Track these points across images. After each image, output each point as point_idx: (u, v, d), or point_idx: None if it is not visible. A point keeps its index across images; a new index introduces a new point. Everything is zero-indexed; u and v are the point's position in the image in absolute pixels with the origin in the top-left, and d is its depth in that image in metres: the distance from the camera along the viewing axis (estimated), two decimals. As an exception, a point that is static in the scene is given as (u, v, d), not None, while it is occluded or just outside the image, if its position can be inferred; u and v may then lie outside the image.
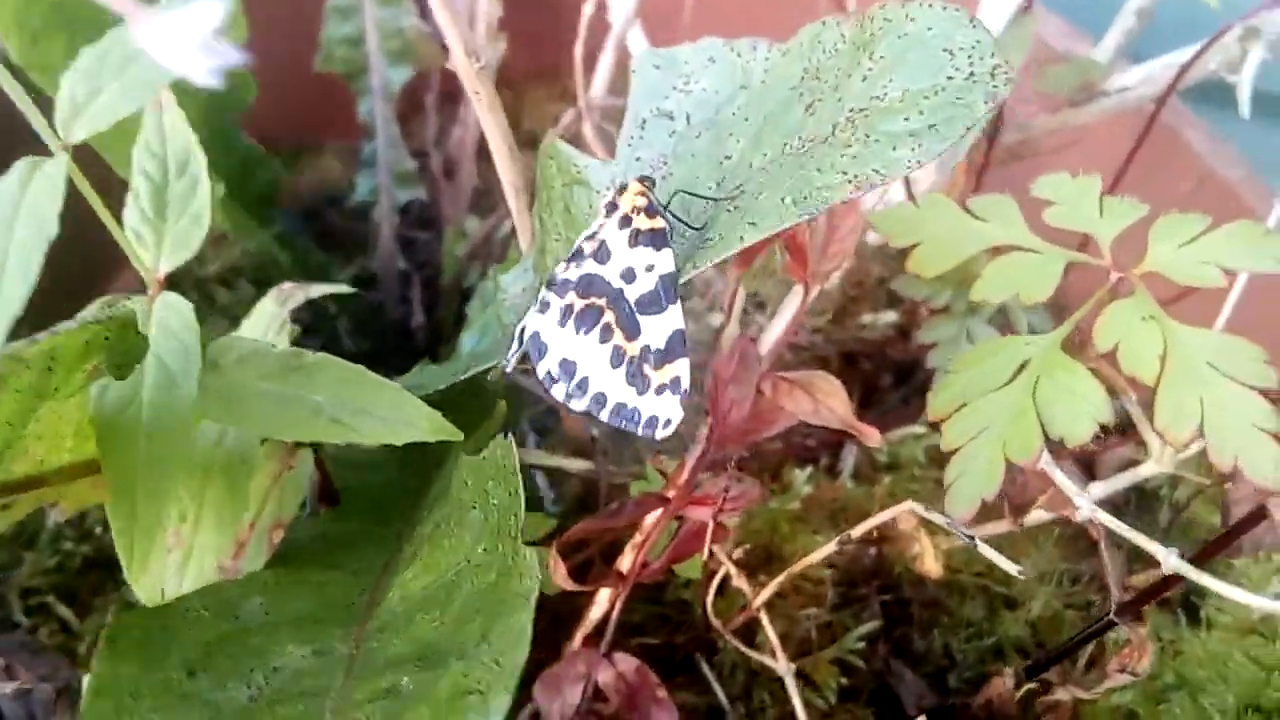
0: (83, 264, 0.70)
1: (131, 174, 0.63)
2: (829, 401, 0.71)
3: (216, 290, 1.26)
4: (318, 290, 0.74)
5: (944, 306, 0.93)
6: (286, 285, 0.74)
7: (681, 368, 0.57)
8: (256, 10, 1.08)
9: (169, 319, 0.59)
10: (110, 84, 0.54)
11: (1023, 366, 0.62)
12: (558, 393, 0.60)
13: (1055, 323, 0.92)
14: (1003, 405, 0.61)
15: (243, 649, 0.60)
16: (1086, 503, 0.64)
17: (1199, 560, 0.69)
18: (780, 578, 0.77)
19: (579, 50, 0.96)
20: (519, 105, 1.46)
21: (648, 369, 0.58)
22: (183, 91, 0.66)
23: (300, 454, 0.73)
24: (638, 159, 0.66)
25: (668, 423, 0.57)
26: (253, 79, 1.08)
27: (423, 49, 1.21)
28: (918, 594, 0.95)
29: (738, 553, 0.78)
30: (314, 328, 1.22)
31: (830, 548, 0.73)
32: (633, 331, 0.59)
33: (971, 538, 0.66)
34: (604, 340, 0.59)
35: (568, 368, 0.59)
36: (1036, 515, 0.74)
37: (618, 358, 0.58)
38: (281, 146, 1.35)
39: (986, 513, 1.00)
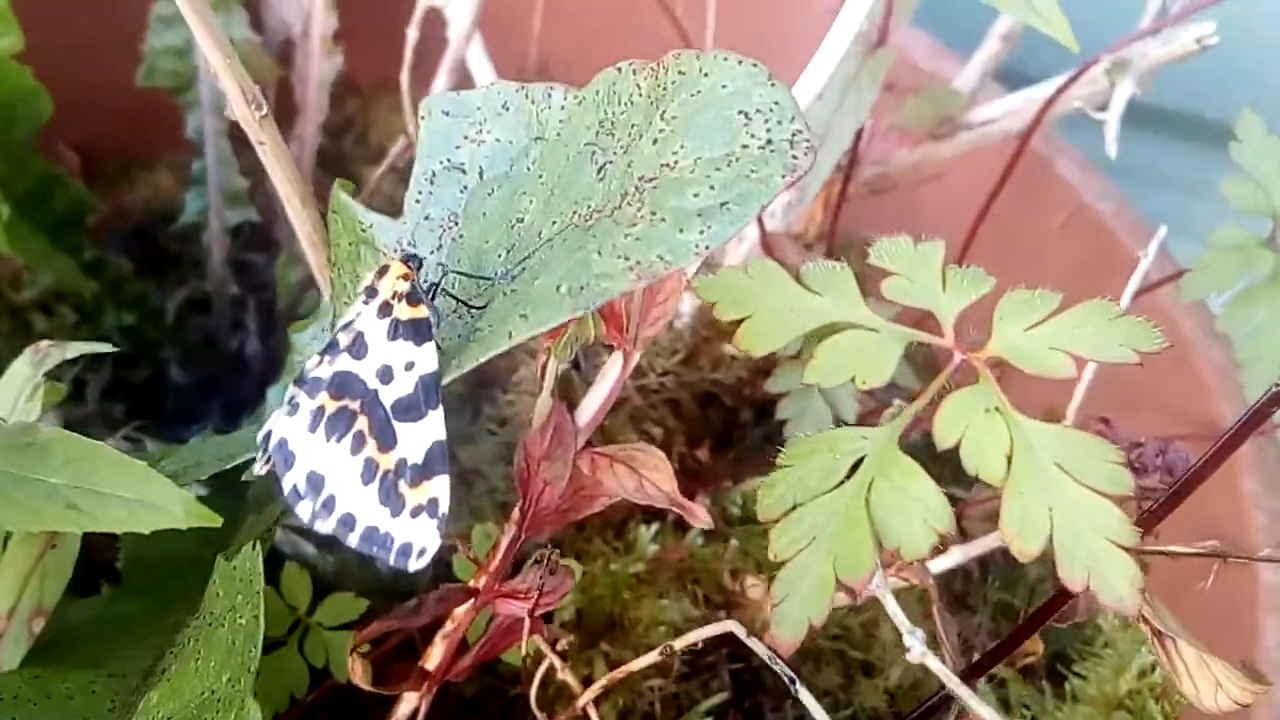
0: None
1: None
2: (653, 476, 0.64)
3: (35, 317, 1.17)
4: (77, 349, 0.65)
5: (795, 354, 0.87)
6: (43, 344, 0.66)
7: (440, 487, 0.50)
8: (77, 16, 1.00)
9: None
10: None
11: (857, 464, 0.55)
12: (303, 511, 0.51)
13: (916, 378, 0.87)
14: (833, 511, 0.54)
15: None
16: (916, 644, 0.57)
17: (1015, 640, 0.64)
18: (606, 678, 0.70)
19: (405, 76, 0.88)
20: (366, 116, 1.39)
21: (404, 486, 0.50)
22: None
23: (65, 533, 0.65)
24: (427, 217, 0.58)
25: (422, 552, 0.50)
26: (46, 94, 0.98)
27: (255, 61, 1.12)
28: (763, 662, 0.89)
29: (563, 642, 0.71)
30: (137, 358, 1.14)
31: (652, 657, 0.66)
32: (388, 441, 0.51)
33: (794, 680, 0.59)
34: (356, 451, 0.51)
35: (315, 482, 0.51)
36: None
37: (369, 472, 0.50)
38: (110, 162, 1.27)
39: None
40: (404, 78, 0.88)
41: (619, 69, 0.51)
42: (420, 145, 0.59)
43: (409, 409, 0.51)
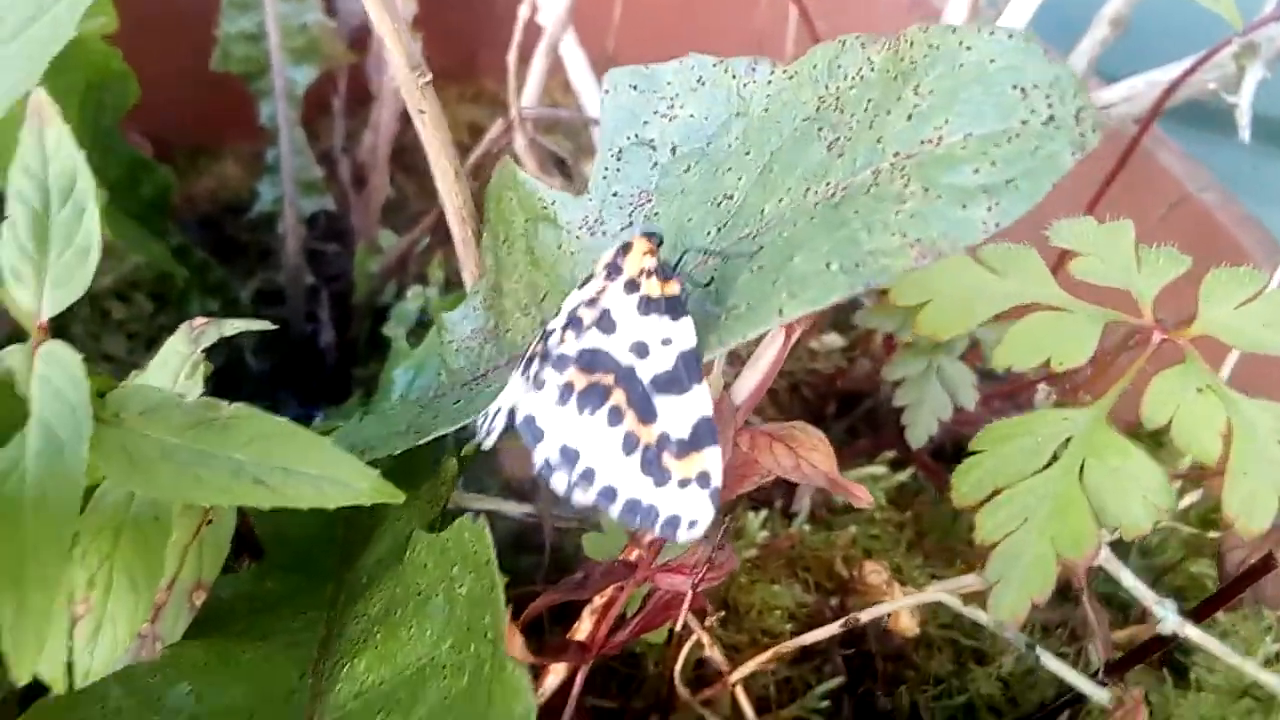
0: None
1: (8, 201, 0.53)
2: (811, 456, 0.63)
3: (112, 305, 1.15)
4: (234, 326, 0.64)
5: (910, 340, 0.87)
6: (198, 321, 0.64)
7: (712, 460, 0.49)
8: (149, 3, 0.98)
9: (53, 375, 0.50)
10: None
11: (1062, 446, 0.54)
12: (558, 483, 0.50)
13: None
14: (1044, 493, 0.53)
15: (171, 753, 0.51)
16: (1171, 615, 0.57)
17: (1199, 616, 0.63)
18: (762, 656, 0.70)
19: (513, 56, 0.87)
20: (434, 106, 1.36)
21: (668, 458, 0.49)
22: (58, 93, 0.56)
23: (222, 507, 0.63)
24: (615, 194, 0.57)
25: (693, 524, 0.48)
26: (134, 78, 0.97)
27: (329, 47, 1.11)
28: (882, 647, 0.88)
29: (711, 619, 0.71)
30: (215, 346, 1.12)
31: (834, 628, 0.65)
32: (648, 415, 0.49)
33: (1032, 646, 0.58)
34: (613, 424, 0.50)
35: (569, 455, 0.50)
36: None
37: (630, 444, 0.49)
38: (177, 150, 1.25)
39: (949, 558, 0.96)
40: (511, 58, 0.87)
41: (841, 42, 0.50)
42: (603, 122, 0.58)
43: (670, 384, 0.49)
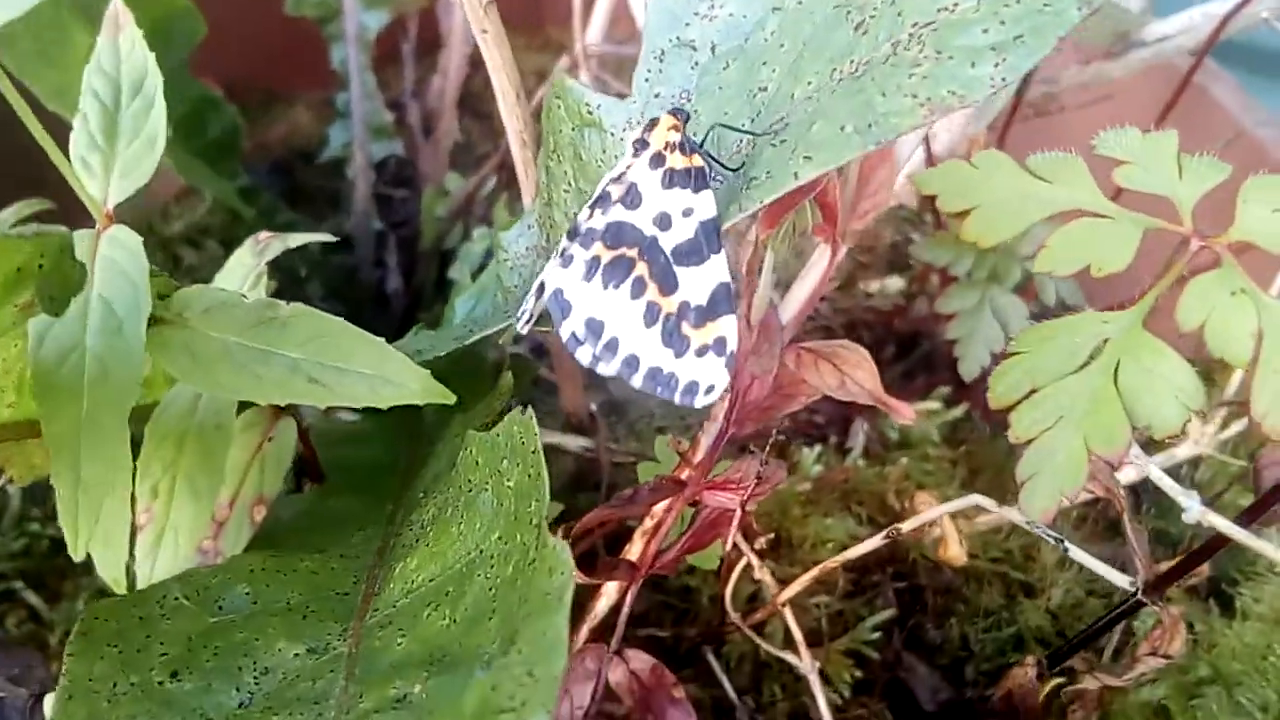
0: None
1: (81, 97, 0.55)
2: (855, 374, 0.64)
3: (183, 250, 1.19)
4: (296, 240, 0.67)
5: (965, 274, 0.87)
6: (263, 235, 0.67)
7: (727, 326, 0.50)
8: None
9: (116, 255, 0.53)
10: None
11: (1098, 348, 0.55)
12: (583, 355, 0.52)
13: (1084, 292, 0.87)
14: (1079, 392, 0.54)
15: (229, 645, 0.53)
16: (1194, 505, 0.57)
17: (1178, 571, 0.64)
18: (807, 576, 0.71)
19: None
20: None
21: (687, 327, 0.50)
22: None
23: (282, 424, 0.67)
24: (657, 95, 0.59)
25: (710, 389, 0.50)
26: (199, 15, 0.99)
27: (398, -9, 1.13)
28: (933, 581, 0.89)
29: (760, 541, 0.72)
30: (283, 291, 1.14)
31: (876, 541, 0.66)
32: (669, 285, 0.51)
33: (1061, 540, 0.59)
34: (636, 295, 0.51)
35: (594, 327, 0.52)
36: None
37: (652, 315, 0.51)
38: (250, 95, 1.28)
39: (1002, 494, 0.96)
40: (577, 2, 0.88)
41: (869, -68, 0.51)
42: (647, 24, 0.59)
43: (690, 253, 0.51)
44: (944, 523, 0.78)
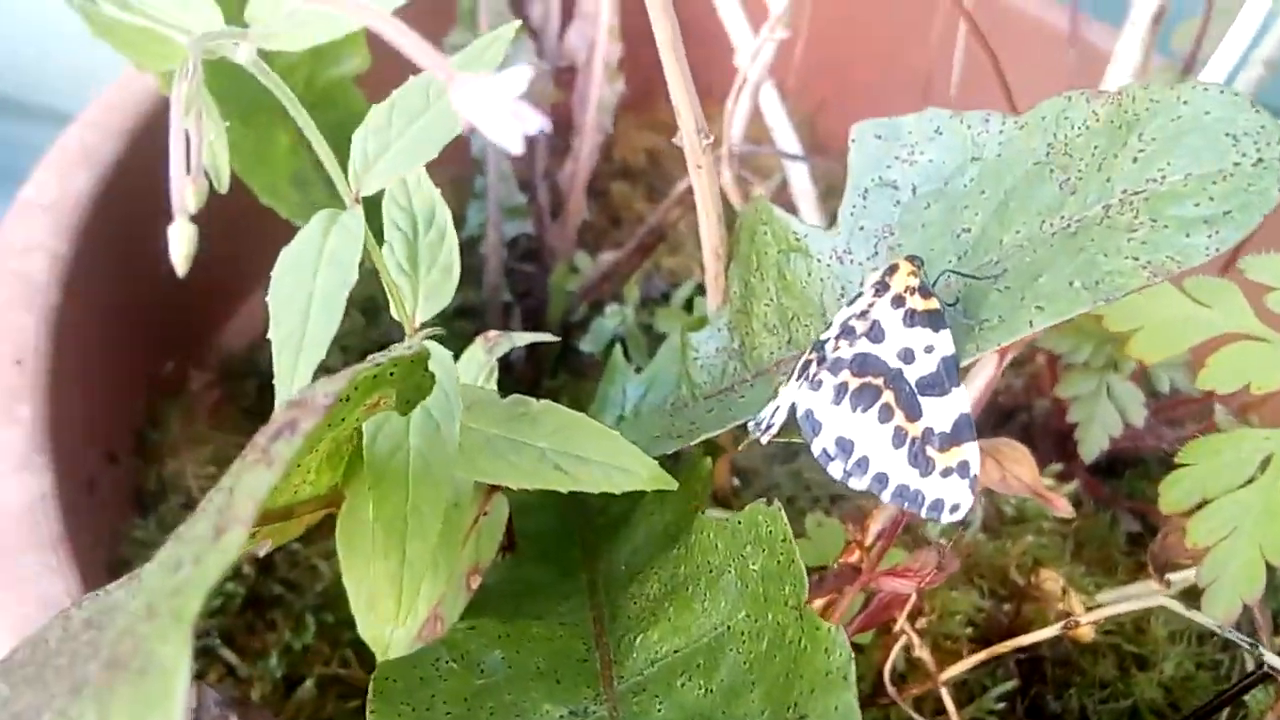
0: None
1: (385, 228, 0.64)
2: (1016, 469, 0.71)
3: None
4: (524, 338, 0.75)
5: (1083, 361, 0.94)
6: (492, 334, 0.75)
7: (971, 452, 0.57)
8: (385, 46, 1.08)
9: (434, 369, 0.59)
10: (396, 141, 0.56)
11: (1265, 462, 0.62)
12: (834, 470, 0.59)
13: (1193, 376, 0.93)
14: (1251, 504, 0.61)
15: (501, 705, 0.60)
16: None
17: None
18: (972, 659, 0.77)
19: (731, 101, 0.95)
20: (613, 133, 1.45)
21: (931, 450, 0.57)
22: (325, 130, 0.66)
23: (496, 499, 0.73)
24: (861, 228, 0.66)
25: (955, 507, 0.57)
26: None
27: (537, 85, 1.21)
28: (1052, 653, 0.94)
29: (921, 621, 0.78)
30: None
31: (1054, 630, 0.73)
32: (914, 412, 0.58)
33: (1254, 644, 0.66)
34: (884, 420, 0.59)
35: (844, 445, 0.59)
36: (1182, 575, 0.74)
37: (899, 438, 0.58)
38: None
39: (1108, 568, 1.02)
40: (730, 103, 0.95)
41: (1068, 97, 0.59)
42: (851, 165, 0.66)
43: (933, 385, 0.58)
44: (1074, 604, 0.85)
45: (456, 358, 1.20)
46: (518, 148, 0.39)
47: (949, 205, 0.63)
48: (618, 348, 0.97)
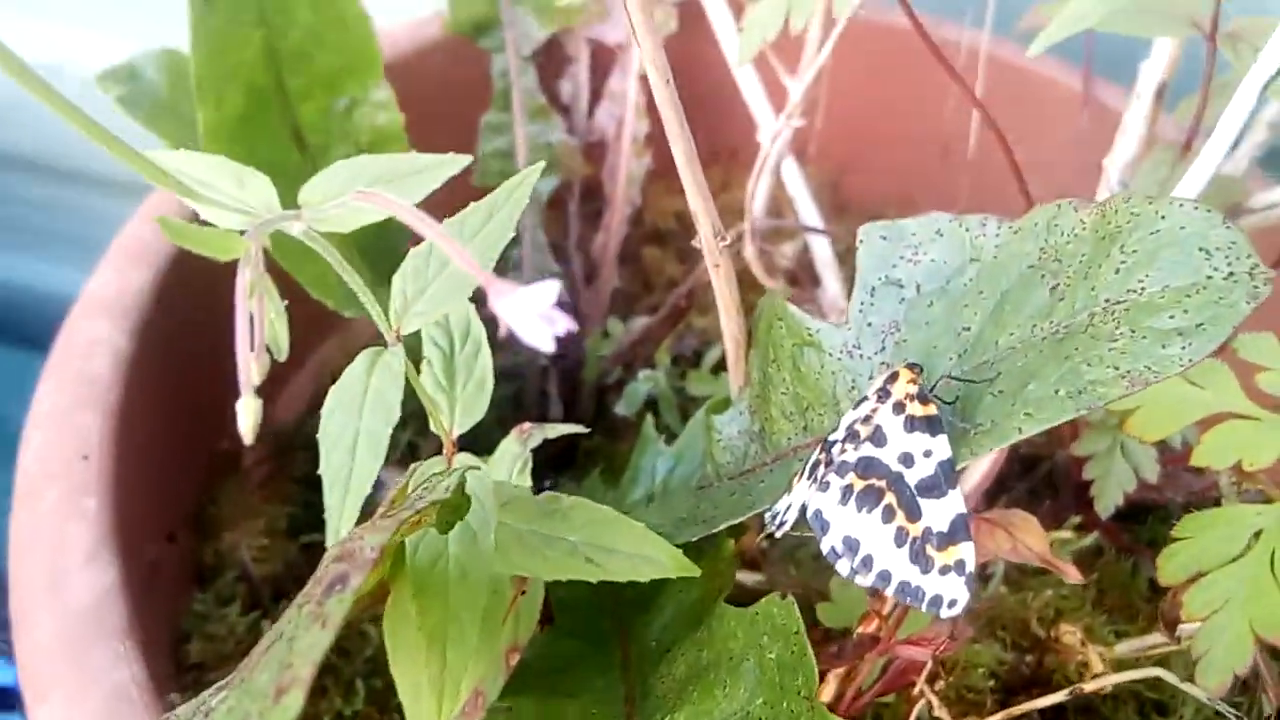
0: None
1: (424, 345, 0.68)
2: (1026, 539, 0.74)
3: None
4: (555, 430, 0.79)
5: (1098, 419, 0.97)
6: (526, 426, 0.79)
7: (967, 551, 0.61)
8: (424, 129, 1.14)
9: (471, 483, 0.64)
10: (435, 281, 0.60)
11: (1255, 536, 0.66)
12: (842, 567, 0.64)
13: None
14: (1240, 579, 0.65)
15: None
16: None
17: None
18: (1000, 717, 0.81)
19: (752, 182, 1.00)
20: (642, 200, 1.49)
21: (930, 550, 0.62)
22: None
23: (533, 581, 0.77)
24: (869, 324, 0.70)
25: (953, 603, 0.61)
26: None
27: (568, 161, 1.27)
28: (1073, 701, 0.97)
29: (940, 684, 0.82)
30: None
31: (1061, 695, 0.77)
32: (914, 513, 0.62)
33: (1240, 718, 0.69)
34: (887, 520, 0.63)
35: (851, 544, 0.63)
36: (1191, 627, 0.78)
37: (901, 538, 0.62)
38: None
39: (1131, 615, 1.05)
40: (751, 184, 1.00)
41: (1058, 205, 0.63)
42: (859, 264, 0.71)
43: (931, 488, 0.62)
44: (1091, 657, 0.88)
45: (500, 423, 1.27)
46: (549, 348, 0.44)
47: (950, 304, 0.67)
48: (649, 419, 1.01)
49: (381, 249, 0.97)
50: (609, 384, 1.28)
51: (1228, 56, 0.83)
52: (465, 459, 0.64)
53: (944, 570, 0.61)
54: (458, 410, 0.68)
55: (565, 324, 0.45)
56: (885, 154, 1.38)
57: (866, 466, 0.64)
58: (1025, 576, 1.07)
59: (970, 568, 0.61)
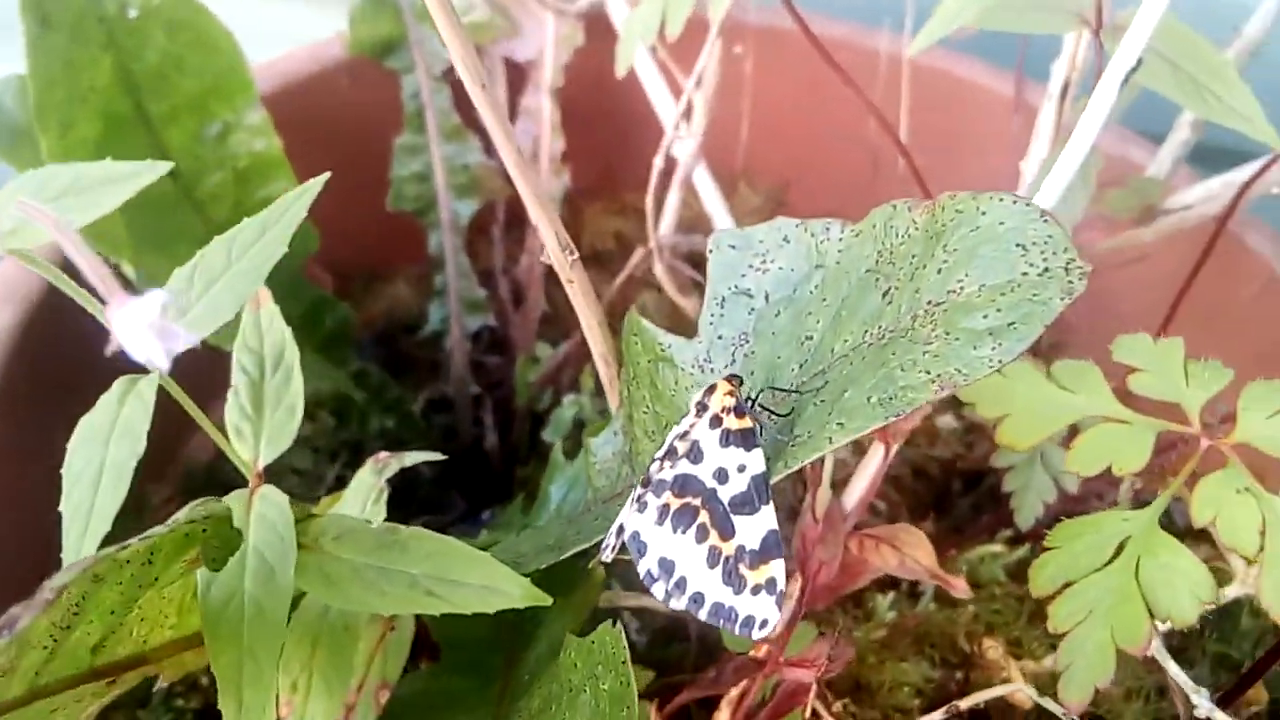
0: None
1: (232, 371, 0.66)
2: (914, 554, 0.72)
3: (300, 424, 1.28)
4: (414, 458, 0.77)
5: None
6: (382, 455, 0.77)
7: (777, 569, 0.58)
8: (332, 153, 1.12)
9: (268, 513, 0.62)
10: (199, 302, 0.58)
11: (1122, 543, 0.63)
12: (657, 591, 0.61)
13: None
14: (1106, 587, 0.62)
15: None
16: (1204, 702, 0.65)
17: (1227, 699, 0.70)
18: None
19: (650, 199, 0.98)
20: (577, 221, 1.48)
21: (743, 569, 0.59)
22: None
23: (402, 617, 0.75)
24: (720, 336, 0.68)
25: (764, 623, 0.58)
26: (314, 229, 1.10)
27: (488, 183, 1.25)
28: (1004, 717, 0.95)
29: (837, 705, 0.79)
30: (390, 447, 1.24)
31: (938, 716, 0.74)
32: (727, 531, 0.60)
33: None
34: (700, 540, 0.60)
35: (666, 566, 0.61)
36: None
37: (714, 557, 0.60)
38: (355, 278, 1.39)
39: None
40: (649, 198, 0.98)
41: (894, 206, 0.60)
42: (710, 274, 0.68)
43: (744, 504, 0.60)
44: (1010, 667, 0.86)
45: (435, 449, 1.25)
46: (165, 365, 0.41)
47: (796, 312, 0.64)
48: (558, 445, 0.99)
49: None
50: (543, 410, 1.25)
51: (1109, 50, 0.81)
52: (269, 492, 0.62)
53: (755, 590, 0.59)
54: (263, 439, 0.65)
55: (185, 340, 0.42)
56: (821, 167, 1.36)
57: (683, 484, 0.61)
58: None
59: (781, 585, 0.58)
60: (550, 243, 0.69)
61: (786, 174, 1.42)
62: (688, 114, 0.98)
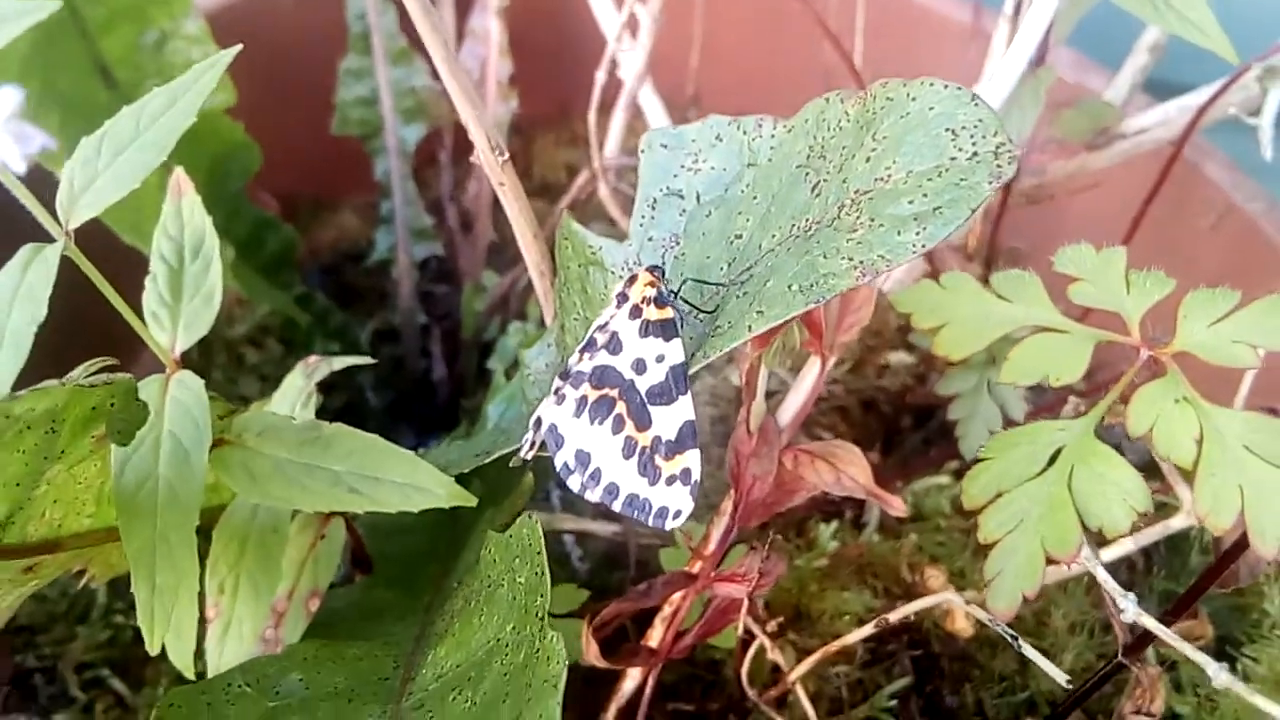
0: (104, 342, 0.71)
1: (151, 258, 0.64)
2: (849, 470, 0.70)
3: (246, 351, 1.27)
4: (342, 362, 0.75)
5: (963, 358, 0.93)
6: (312, 359, 0.76)
7: (692, 459, 0.57)
8: (275, 76, 1.09)
9: (183, 397, 0.61)
10: (105, 171, 0.56)
11: (1056, 453, 0.61)
12: (573, 483, 0.60)
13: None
14: (1038, 496, 0.60)
15: (283, 728, 0.60)
16: (1130, 605, 0.63)
17: (1178, 608, 0.69)
18: (817, 655, 0.77)
19: (593, 115, 0.96)
20: (528, 152, 1.47)
21: (659, 460, 0.58)
22: (190, 164, 0.67)
23: (333, 523, 0.75)
24: (650, 239, 0.66)
25: (677, 514, 0.57)
26: (256, 147, 1.08)
27: (435, 107, 1.22)
28: (947, 649, 0.94)
29: (771, 624, 0.78)
30: (338, 384, 1.23)
31: (868, 630, 0.73)
32: (644, 422, 0.59)
33: (1015, 638, 0.65)
34: (616, 431, 0.59)
35: (582, 458, 0.60)
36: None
37: (629, 449, 0.59)
38: (301, 205, 1.36)
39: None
40: (592, 115, 0.96)
41: (827, 99, 0.58)
42: (641, 175, 0.66)
43: (661, 394, 0.58)
44: (954, 603, 0.84)
45: (383, 380, 1.23)
46: (18, 166, 0.39)
47: (727, 212, 0.63)
48: (500, 369, 0.97)
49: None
50: (490, 340, 1.23)
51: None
52: (186, 377, 0.60)
53: (670, 480, 0.58)
54: (180, 326, 0.64)
55: (40, 140, 0.40)
56: (774, 94, 1.33)
57: (601, 376, 0.60)
58: (902, 524, 1.03)
59: (695, 476, 0.57)
60: (480, 143, 0.67)
61: (738, 101, 1.39)
62: (632, 28, 0.96)
